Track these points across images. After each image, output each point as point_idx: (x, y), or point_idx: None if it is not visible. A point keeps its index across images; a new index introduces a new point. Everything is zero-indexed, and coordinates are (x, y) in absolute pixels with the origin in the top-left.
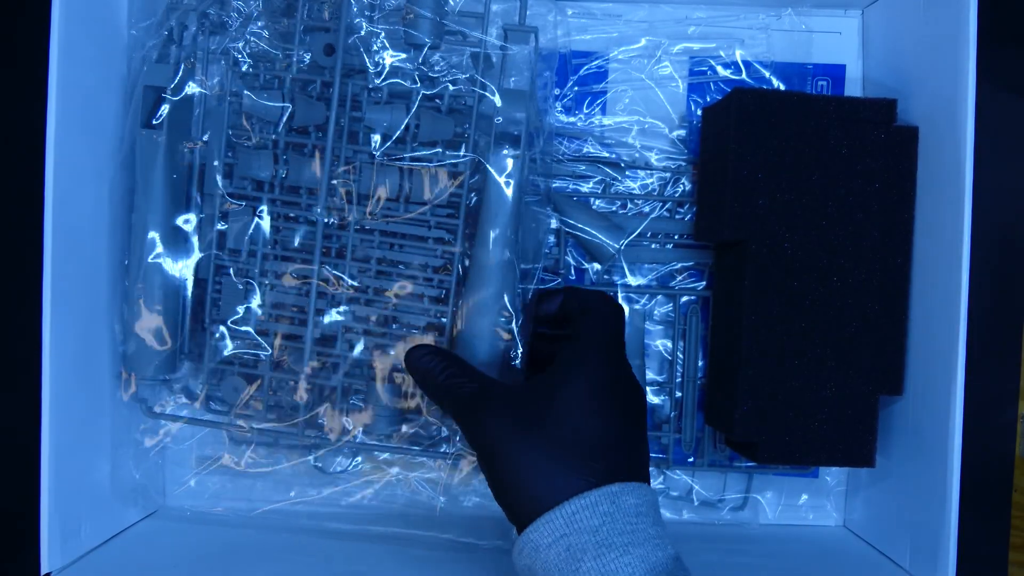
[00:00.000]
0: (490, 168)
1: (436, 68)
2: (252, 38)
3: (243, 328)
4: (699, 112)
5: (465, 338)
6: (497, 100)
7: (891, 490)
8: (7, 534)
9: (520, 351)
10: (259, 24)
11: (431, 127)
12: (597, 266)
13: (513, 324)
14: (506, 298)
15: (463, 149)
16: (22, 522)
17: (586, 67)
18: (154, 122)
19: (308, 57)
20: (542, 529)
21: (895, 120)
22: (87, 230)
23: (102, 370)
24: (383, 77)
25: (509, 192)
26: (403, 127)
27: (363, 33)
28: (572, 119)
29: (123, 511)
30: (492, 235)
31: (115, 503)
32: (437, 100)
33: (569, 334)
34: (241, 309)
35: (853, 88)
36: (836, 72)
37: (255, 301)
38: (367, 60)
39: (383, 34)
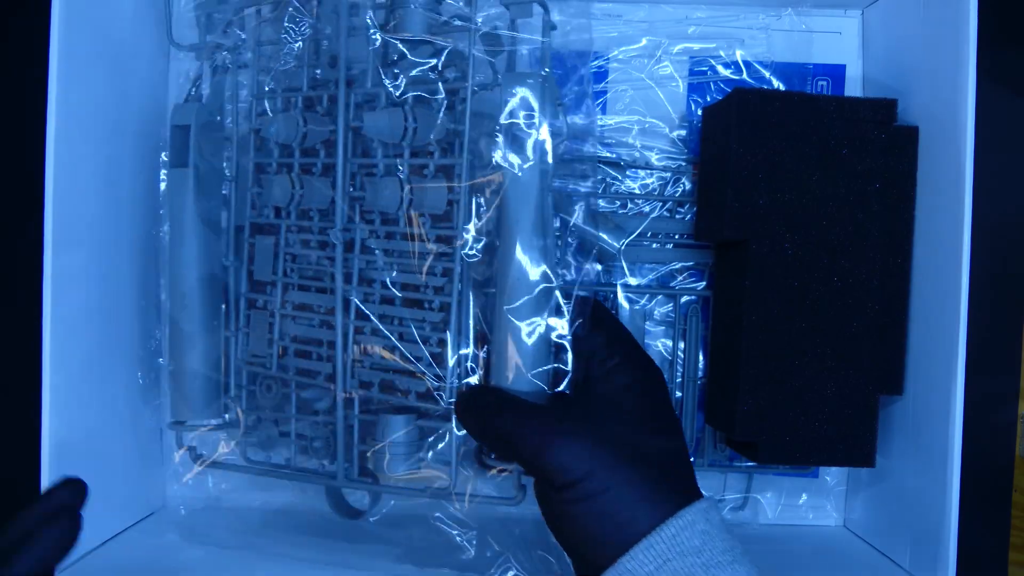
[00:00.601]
0: (503, 166)
1: (443, 68)
2: (262, 65)
3: (266, 367)
4: (699, 112)
5: (500, 369)
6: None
7: (891, 490)
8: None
9: (569, 375)
10: (269, 48)
11: (426, 127)
12: (597, 266)
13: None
14: (545, 319)
15: (457, 148)
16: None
17: (586, 66)
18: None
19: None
20: (641, 556)
21: (895, 120)
22: (90, 241)
23: (105, 371)
24: (402, 91)
25: (532, 193)
26: (403, 131)
27: (378, 44)
28: (572, 119)
29: (123, 511)
30: (518, 246)
31: (115, 503)
32: (426, 96)
33: (589, 349)
34: (267, 344)
35: (853, 88)
36: (836, 72)
37: (276, 335)
38: (382, 74)
39: (400, 43)
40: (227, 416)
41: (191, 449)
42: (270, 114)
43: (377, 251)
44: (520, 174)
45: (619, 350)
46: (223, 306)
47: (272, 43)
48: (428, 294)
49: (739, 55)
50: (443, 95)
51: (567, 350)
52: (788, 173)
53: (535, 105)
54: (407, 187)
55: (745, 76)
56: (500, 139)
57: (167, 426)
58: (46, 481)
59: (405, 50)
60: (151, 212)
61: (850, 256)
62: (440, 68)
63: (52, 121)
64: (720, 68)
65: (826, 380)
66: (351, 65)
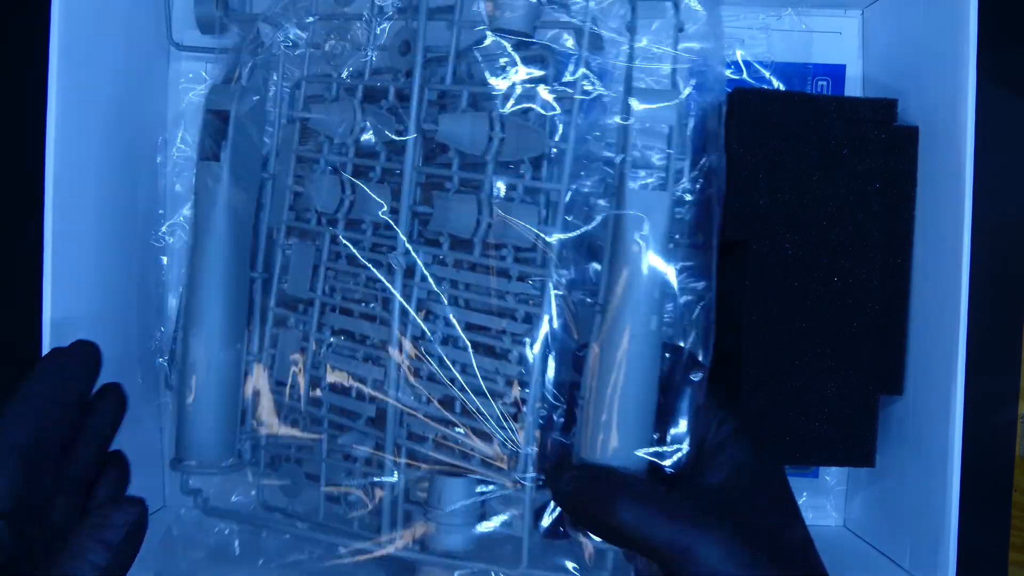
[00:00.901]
0: (624, 208)
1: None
2: (315, 41)
3: (293, 399)
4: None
5: (597, 439)
6: (635, 105)
7: (891, 490)
8: None
9: (684, 450)
10: (322, 31)
11: (518, 142)
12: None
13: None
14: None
15: (544, 168)
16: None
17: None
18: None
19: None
20: None
21: (895, 120)
22: (90, 241)
23: (104, 371)
24: (513, 100)
25: (651, 240)
26: (486, 142)
27: (487, 42)
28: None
29: None
30: (636, 299)
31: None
32: (526, 104)
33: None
34: (295, 372)
35: (853, 88)
36: (836, 72)
37: (309, 363)
38: (487, 75)
39: (507, 44)
40: (242, 455)
41: (195, 492)
42: (320, 98)
43: (444, 282)
44: (646, 217)
45: (732, 415)
46: (247, 326)
47: (327, 18)
48: (504, 341)
49: (739, 55)
50: (552, 110)
51: (665, 415)
52: (788, 173)
53: (673, 134)
54: (487, 210)
55: (745, 76)
56: (624, 174)
57: (168, 464)
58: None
59: (508, 46)
60: (151, 211)
61: (850, 256)
62: (547, 76)
63: (52, 121)
64: None
65: (826, 380)
66: (428, 53)
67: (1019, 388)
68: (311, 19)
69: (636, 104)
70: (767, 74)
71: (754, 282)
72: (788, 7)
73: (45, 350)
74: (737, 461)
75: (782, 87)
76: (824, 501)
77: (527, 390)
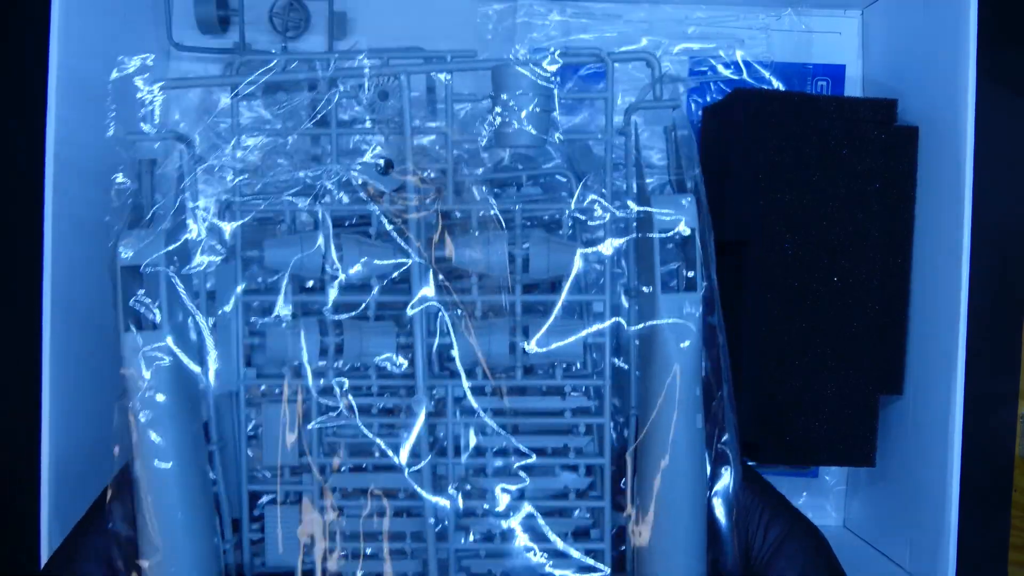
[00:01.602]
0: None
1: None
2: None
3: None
4: (699, 112)
5: (660, 553)
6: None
7: (891, 490)
8: (7, 535)
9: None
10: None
11: (545, 260)
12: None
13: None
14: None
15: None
16: (22, 522)
17: (586, 67)
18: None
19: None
20: None
21: (895, 120)
22: (90, 241)
23: (106, 375)
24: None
25: (693, 358)
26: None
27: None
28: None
29: None
30: (675, 405)
31: None
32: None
33: None
34: (294, 548)
35: (853, 88)
36: (836, 72)
37: (323, 534)
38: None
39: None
40: None
41: None
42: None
43: (486, 413)
44: (682, 339)
45: (780, 515)
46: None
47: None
48: (569, 456)
49: (739, 55)
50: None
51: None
52: (788, 173)
53: (687, 229)
54: (519, 331)
55: (745, 76)
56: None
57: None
58: (46, 485)
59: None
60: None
61: (850, 256)
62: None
63: (52, 121)
64: (720, 68)
65: (826, 380)
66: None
67: (1019, 388)
68: (252, 137)
69: (656, 213)
70: (767, 74)
71: (754, 282)
72: (788, 7)
73: (45, 349)
74: (795, 568)
75: (782, 87)
76: (824, 501)
77: (600, 500)
